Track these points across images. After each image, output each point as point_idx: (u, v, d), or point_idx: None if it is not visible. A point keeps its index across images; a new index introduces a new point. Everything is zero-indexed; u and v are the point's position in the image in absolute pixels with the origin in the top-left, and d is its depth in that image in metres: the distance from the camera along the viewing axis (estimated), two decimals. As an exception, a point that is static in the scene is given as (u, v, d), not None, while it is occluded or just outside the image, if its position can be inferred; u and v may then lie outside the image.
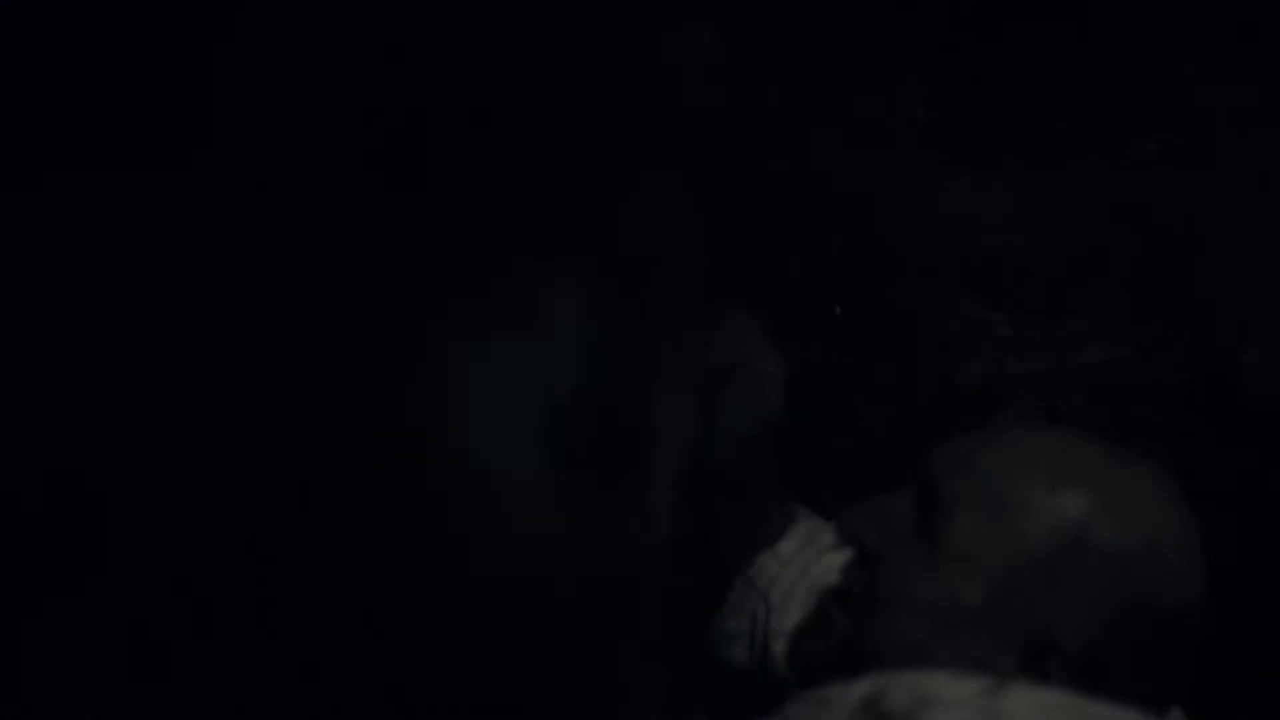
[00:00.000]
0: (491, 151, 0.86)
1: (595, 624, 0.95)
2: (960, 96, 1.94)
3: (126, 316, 0.78)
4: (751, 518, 1.54)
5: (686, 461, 1.28)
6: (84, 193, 0.77)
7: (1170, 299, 1.90)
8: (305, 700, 0.84)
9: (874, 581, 1.25)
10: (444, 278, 0.85)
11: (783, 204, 1.67)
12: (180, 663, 0.81)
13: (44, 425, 0.78)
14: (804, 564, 1.51)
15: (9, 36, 0.77)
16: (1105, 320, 1.89)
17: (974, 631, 1.20)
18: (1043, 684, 1.16)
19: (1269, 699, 1.85)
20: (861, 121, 1.88)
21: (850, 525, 1.29)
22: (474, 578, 0.87)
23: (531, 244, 0.90)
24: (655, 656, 0.99)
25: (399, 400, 0.84)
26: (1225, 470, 1.86)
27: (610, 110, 0.90)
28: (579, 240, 0.93)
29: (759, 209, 1.59)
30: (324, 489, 0.83)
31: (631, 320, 1.01)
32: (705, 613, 1.54)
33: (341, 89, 0.81)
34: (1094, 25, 1.97)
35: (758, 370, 1.50)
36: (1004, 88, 1.95)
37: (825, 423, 1.85)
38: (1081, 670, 1.18)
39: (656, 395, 1.10)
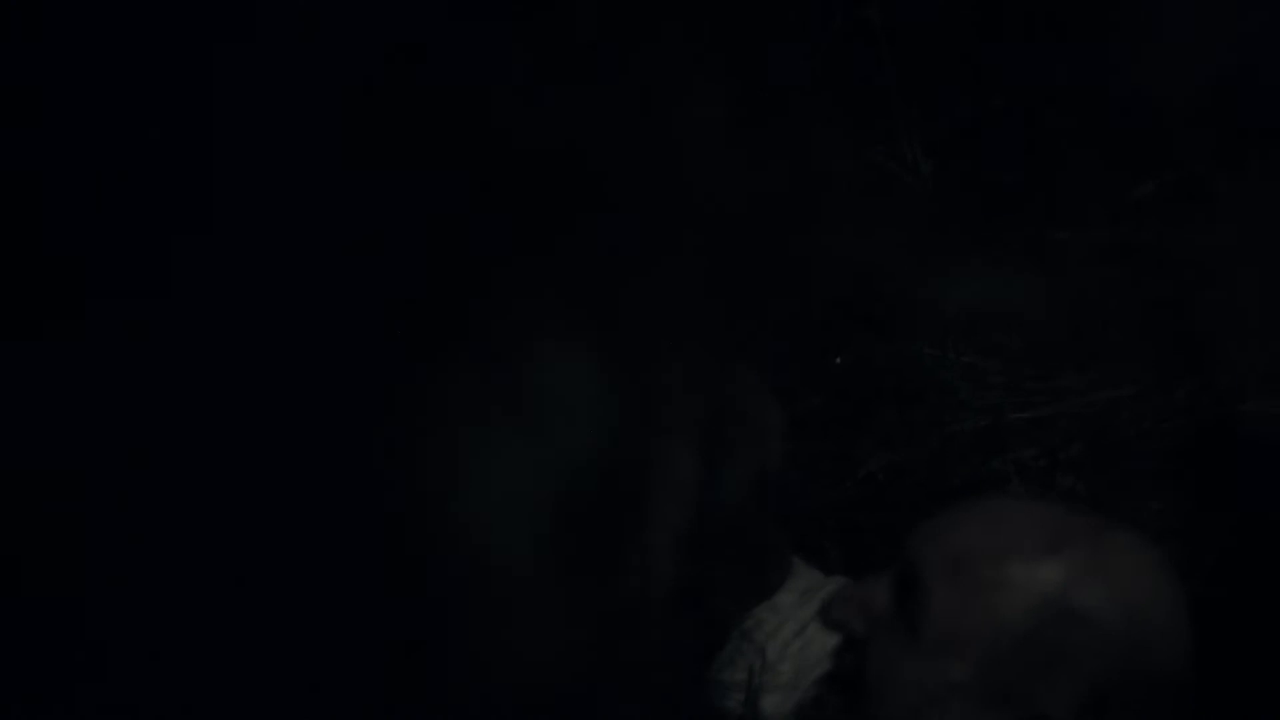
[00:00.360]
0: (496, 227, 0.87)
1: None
2: (959, 148, 1.95)
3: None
4: (749, 569, 1.54)
5: (687, 514, 1.29)
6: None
7: (1171, 344, 1.91)
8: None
9: (861, 665, 1.26)
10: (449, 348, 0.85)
11: (784, 258, 1.68)
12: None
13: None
14: (801, 621, 1.52)
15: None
16: (1104, 367, 1.89)
17: (964, 708, 1.21)
18: None
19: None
20: (862, 177, 1.89)
21: (835, 611, 1.30)
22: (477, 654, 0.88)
23: (532, 309, 0.91)
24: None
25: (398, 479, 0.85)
26: (1226, 513, 1.86)
27: (614, 182, 0.92)
28: (579, 302, 0.94)
29: (760, 262, 1.60)
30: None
31: (633, 378, 1.01)
32: (702, 662, 1.54)
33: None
34: (1090, 67, 1.99)
35: (757, 422, 1.50)
36: (1002, 137, 1.96)
37: (826, 471, 1.85)
38: None
39: (656, 450, 1.11)
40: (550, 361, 0.94)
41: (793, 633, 1.51)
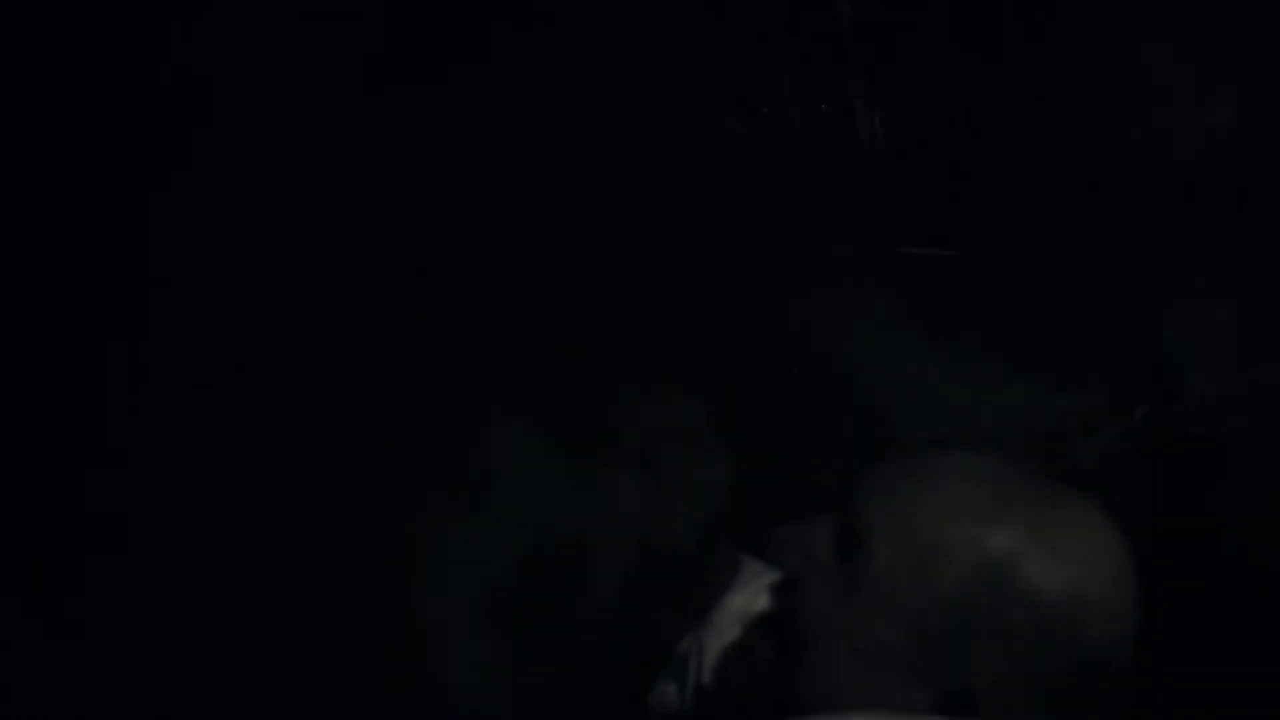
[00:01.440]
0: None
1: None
2: (923, 147, 1.93)
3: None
4: (700, 588, 1.51)
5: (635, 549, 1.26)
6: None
7: (1130, 360, 1.89)
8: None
9: (794, 609, 1.23)
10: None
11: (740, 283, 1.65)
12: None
13: None
14: (743, 605, 1.49)
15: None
16: (1061, 382, 1.88)
17: (891, 672, 1.17)
18: None
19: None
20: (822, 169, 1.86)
21: (774, 548, 1.27)
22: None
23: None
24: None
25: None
26: (1177, 532, 1.86)
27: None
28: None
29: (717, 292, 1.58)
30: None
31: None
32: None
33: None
34: (1057, 69, 1.96)
35: (708, 445, 1.48)
36: (965, 138, 1.94)
37: (781, 479, 1.83)
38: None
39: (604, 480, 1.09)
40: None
41: (732, 619, 1.47)
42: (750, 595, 1.47)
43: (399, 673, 0.87)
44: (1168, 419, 1.85)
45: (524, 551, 0.91)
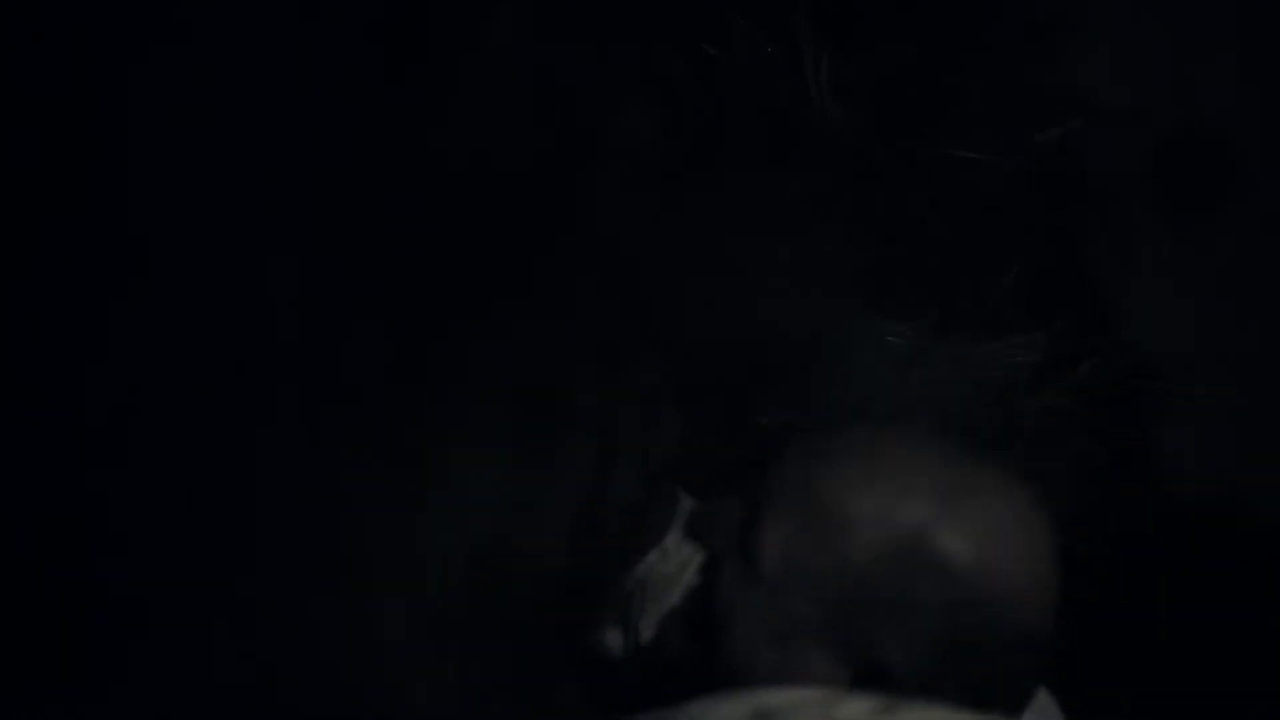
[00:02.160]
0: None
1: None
2: (871, 95, 1.90)
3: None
4: (644, 530, 1.50)
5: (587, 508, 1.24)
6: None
7: (1078, 311, 1.89)
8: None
9: (714, 585, 1.22)
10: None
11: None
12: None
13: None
14: (689, 553, 1.48)
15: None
16: (1009, 333, 1.87)
17: (805, 645, 1.16)
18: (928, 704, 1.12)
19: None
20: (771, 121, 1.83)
21: (693, 524, 1.26)
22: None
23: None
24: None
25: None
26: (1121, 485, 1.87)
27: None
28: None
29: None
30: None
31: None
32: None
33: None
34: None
35: (661, 405, 1.46)
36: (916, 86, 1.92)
37: (722, 429, 1.81)
38: (913, 693, 1.14)
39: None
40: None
41: (676, 568, 1.46)
42: (686, 556, 1.47)
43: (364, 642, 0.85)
44: (1113, 373, 1.85)
45: (478, 526, 0.89)
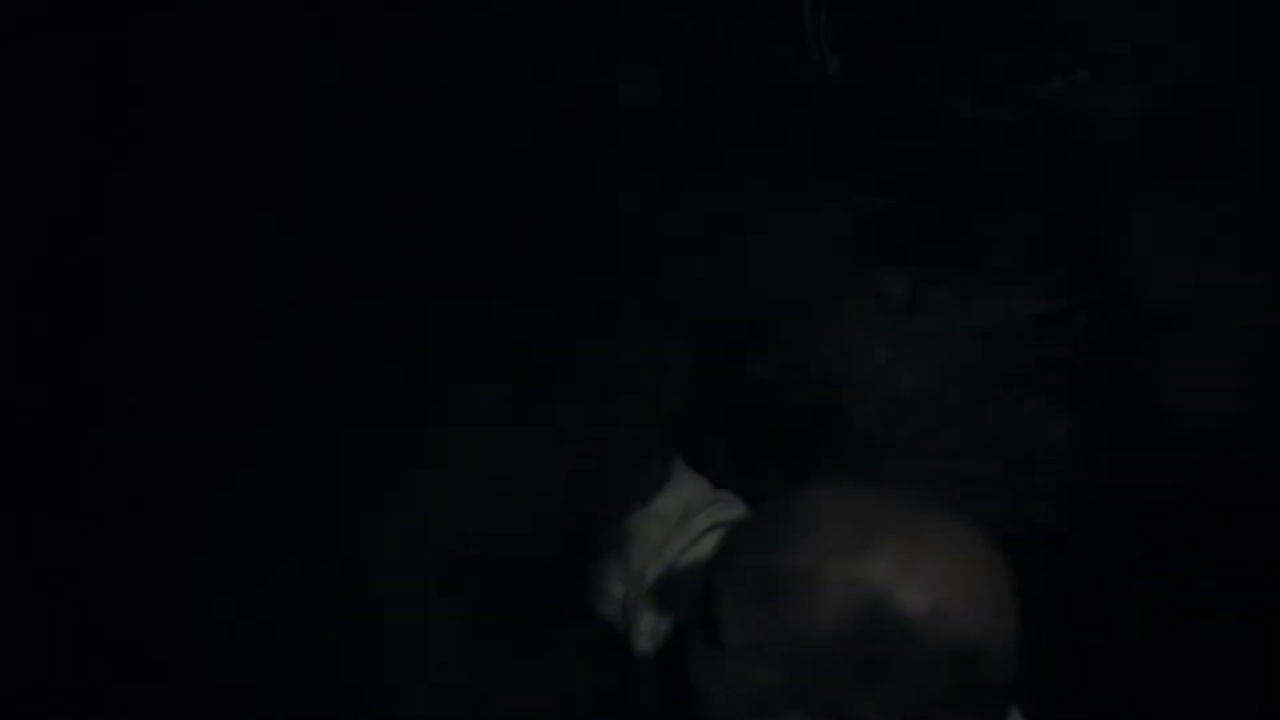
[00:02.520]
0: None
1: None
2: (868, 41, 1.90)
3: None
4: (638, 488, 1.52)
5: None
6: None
7: (1076, 262, 1.89)
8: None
9: (689, 652, 1.25)
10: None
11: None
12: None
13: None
14: (681, 546, 1.50)
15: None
16: (1008, 284, 1.87)
17: (780, 710, 1.18)
18: None
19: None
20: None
21: (660, 594, 1.28)
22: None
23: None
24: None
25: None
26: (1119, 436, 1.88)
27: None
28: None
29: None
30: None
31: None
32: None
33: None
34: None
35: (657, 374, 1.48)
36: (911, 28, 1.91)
37: (715, 376, 1.82)
38: None
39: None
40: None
41: (670, 564, 1.49)
42: (690, 540, 1.49)
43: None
44: (1110, 325, 1.85)
45: (485, 500, 0.91)
